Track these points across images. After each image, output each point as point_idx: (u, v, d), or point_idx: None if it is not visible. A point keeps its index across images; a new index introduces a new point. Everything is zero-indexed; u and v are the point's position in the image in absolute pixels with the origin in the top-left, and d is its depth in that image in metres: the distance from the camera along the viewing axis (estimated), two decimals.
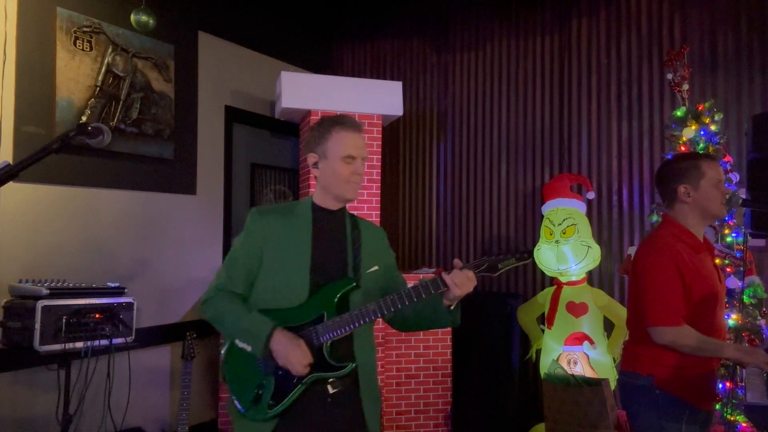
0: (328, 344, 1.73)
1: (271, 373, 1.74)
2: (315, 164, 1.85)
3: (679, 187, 2.07)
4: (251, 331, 1.72)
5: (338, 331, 1.72)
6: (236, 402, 1.78)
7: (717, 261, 2.72)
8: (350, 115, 1.87)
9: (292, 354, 1.67)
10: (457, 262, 1.67)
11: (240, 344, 1.75)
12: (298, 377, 1.71)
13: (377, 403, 1.85)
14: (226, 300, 1.80)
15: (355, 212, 3.67)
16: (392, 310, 1.70)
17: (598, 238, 3.87)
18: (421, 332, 3.80)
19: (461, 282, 1.63)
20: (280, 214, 1.85)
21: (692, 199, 2.06)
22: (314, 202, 1.89)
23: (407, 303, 1.69)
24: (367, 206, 3.79)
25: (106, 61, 3.30)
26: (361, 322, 1.71)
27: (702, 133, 3.04)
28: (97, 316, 2.75)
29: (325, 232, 1.85)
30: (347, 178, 1.81)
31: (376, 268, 1.87)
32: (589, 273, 3.76)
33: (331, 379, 1.75)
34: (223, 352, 1.86)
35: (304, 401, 1.73)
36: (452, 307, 1.73)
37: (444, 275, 1.65)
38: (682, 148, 3.08)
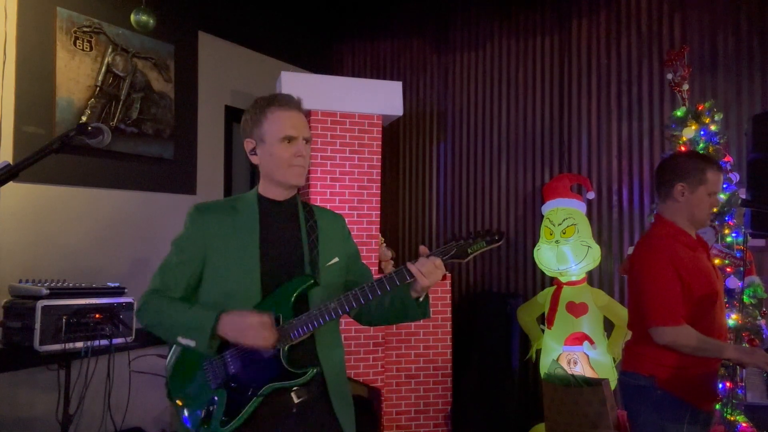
0: (286, 349, 1.54)
1: (222, 386, 1.56)
2: (252, 150, 1.68)
3: (677, 184, 2.07)
4: (194, 322, 1.53)
5: (296, 334, 1.54)
6: (185, 420, 1.59)
7: (717, 261, 2.73)
8: (289, 95, 1.68)
9: (249, 329, 1.48)
10: (423, 249, 1.54)
11: (183, 341, 1.55)
12: (253, 388, 1.53)
13: (350, 406, 1.69)
14: (163, 300, 1.61)
15: (354, 213, 3.71)
16: (355, 306, 1.55)
17: (598, 238, 3.87)
18: (421, 332, 3.80)
19: (428, 271, 1.49)
20: (222, 210, 1.67)
21: (685, 200, 2.06)
22: (260, 193, 1.70)
23: (371, 298, 1.54)
24: (367, 206, 3.79)
25: (106, 61, 3.30)
26: (321, 321, 1.55)
27: (702, 133, 3.04)
28: (97, 316, 2.75)
29: (275, 226, 1.67)
30: (289, 161, 1.62)
31: (336, 260, 1.69)
32: (589, 273, 3.76)
33: (294, 388, 1.57)
34: (167, 365, 1.67)
35: (266, 414, 1.55)
36: (421, 299, 1.59)
37: (409, 265, 1.51)
38: (682, 148, 3.08)
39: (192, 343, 1.54)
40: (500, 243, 1.58)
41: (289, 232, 1.68)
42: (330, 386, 1.63)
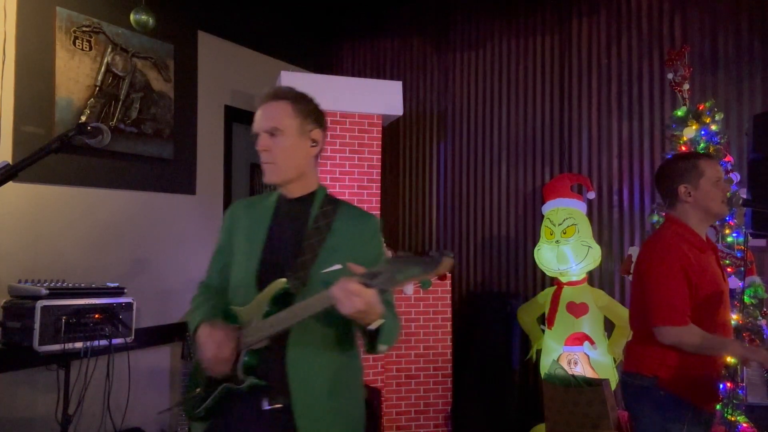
0: (245, 353, 1.50)
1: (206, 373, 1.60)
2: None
3: (679, 188, 2.07)
4: (192, 320, 1.63)
5: (252, 339, 1.49)
6: (184, 392, 1.72)
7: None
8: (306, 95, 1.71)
9: (206, 350, 1.50)
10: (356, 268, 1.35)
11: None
12: (214, 383, 1.55)
13: (333, 428, 1.53)
14: (200, 297, 1.72)
15: None
16: (300, 319, 1.43)
17: (599, 238, 3.86)
18: (421, 332, 3.80)
19: (340, 296, 1.30)
20: (250, 204, 1.73)
21: (693, 199, 2.05)
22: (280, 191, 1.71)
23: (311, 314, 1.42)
24: (367, 206, 3.78)
25: (105, 61, 3.29)
26: (272, 332, 1.46)
27: (703, 132, 3.03)
28: (96, 316, 2.75)
29: (284, 224, 1.63)
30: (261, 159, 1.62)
31: (338, 266, 1.50)
32: (590, 273, 3.75)
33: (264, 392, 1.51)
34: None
35: (237, 410, 1.55)
36: (372, 327, 1.38)
37: (333, 287, 1.33)
38: (683, 148, 3.07)
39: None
40: (436, 271, 1.20)
41: (293, 231, 1.61)
42: (296, 403, 1.48)
